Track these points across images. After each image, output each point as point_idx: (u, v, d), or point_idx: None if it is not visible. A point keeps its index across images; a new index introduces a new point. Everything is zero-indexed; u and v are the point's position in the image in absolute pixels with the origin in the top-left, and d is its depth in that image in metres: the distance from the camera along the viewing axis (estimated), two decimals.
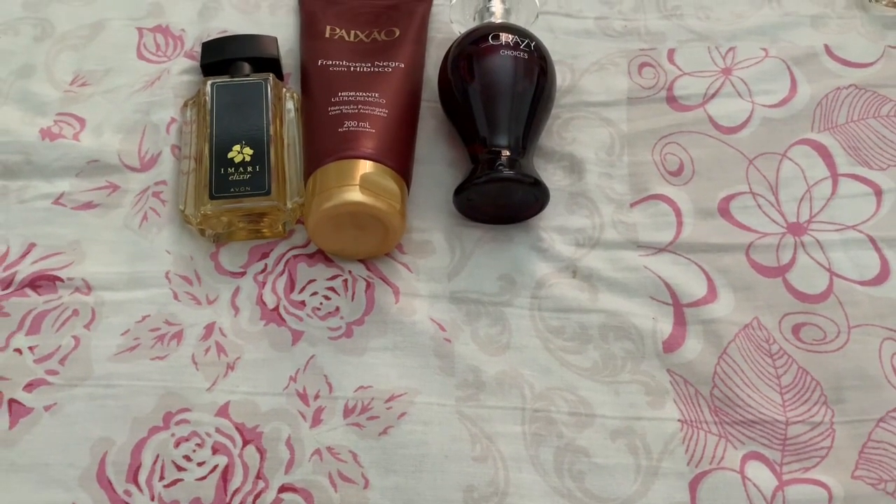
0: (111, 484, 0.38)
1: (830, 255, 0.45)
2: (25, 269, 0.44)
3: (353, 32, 0.51)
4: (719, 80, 0.52)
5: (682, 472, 0.39)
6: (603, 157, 0.49)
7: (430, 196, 0.47)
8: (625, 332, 0.43)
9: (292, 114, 0.48)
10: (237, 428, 0.40)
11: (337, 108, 0.45)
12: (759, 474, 0.39)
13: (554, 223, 0.47)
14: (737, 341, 0.43)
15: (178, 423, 0.40)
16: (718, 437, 0.40)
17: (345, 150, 0.43)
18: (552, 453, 0.40)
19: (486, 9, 0.51)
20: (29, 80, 0.51)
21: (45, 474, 0.38)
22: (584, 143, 0.50)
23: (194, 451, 0.39)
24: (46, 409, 0.40)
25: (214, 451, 0.39)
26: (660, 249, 0.46)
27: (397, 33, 0.51)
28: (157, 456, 0.39)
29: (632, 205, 0.47)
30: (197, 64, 0.51)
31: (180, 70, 0.51)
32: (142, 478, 0.38)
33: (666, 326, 0.43)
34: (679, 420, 0.41)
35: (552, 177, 0.48)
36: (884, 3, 0.55)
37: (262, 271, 0.44)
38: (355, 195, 0.42)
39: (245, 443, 0.39)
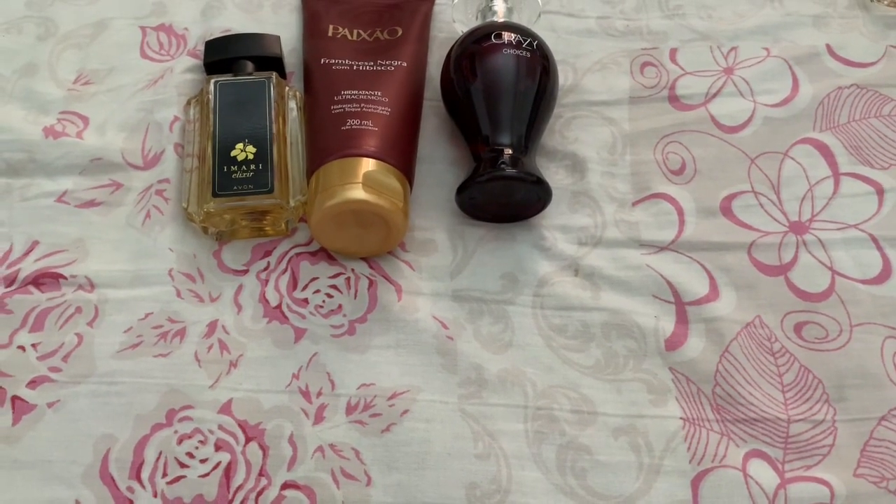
0: (114, 481, 0.38)
1: (832, 254, 0.45)
2: (29, 267, 0.44)
3: (355, 31, 0.51)
4: (721, 80, 0.52)
5: (684, 470, 0.39)
6: (605, 156, 0.49)
7: (432, 195, 0.48)
8: (627, 330, 0.43)
9: (295, 112, 0.48)
10: (240, 425, 0.40)
11: (340, 106, 0.46)
12: (762, 472, 0.39)
13: (556, 222, 0.47)
14: (739, 340, 0.43)
15: (180, 421, 0.40)
16: (720, 435, 0.40)
17: (347, 148, 0.43)
18: (555, 451, 0.40)
19: (488, 8, 0.51)
20: (32, 79, 0.51)
21: (48, 471, 0.38)
22: (587, 142, 0.50)
23: (197, 448, 0.39)
24: (49, 406, 0.40)
25: (217, 448, 0.39)
26: (662, 248, 0.46)
27: (400, 32, 0.51)
28: (160, 453, 0.39)
29: (634, 204, 0.48)
30: (200, 63, 0.51)
31: (183, 69, 0.51)
32: (145, 475, 0.38)
33: (668, 325, 0.43)
34: (681, 418, 0.41)
35: (554, 176, 0.48)
36: (885, 2, 0.55)
37: (265, 269, 0.45)
38: (358, 193, 0.42)
39: (248, 440, 0.39)
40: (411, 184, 0.46)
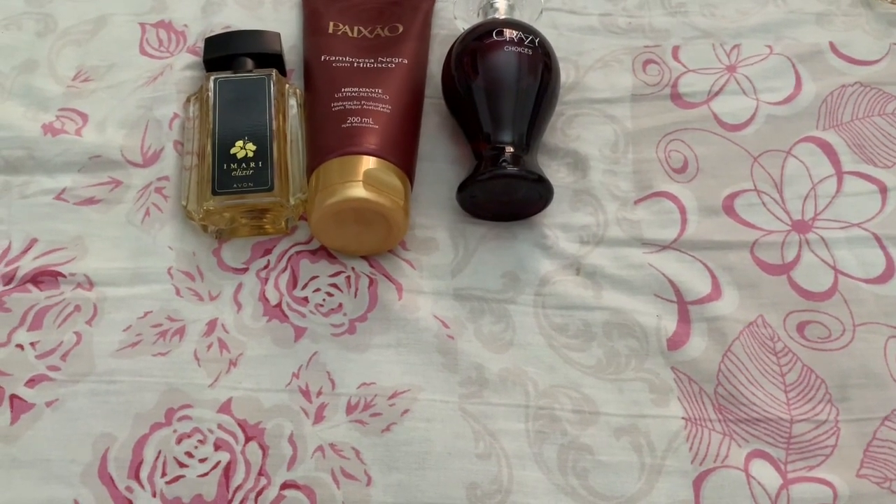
0: (113, 480, 0.38)
1: (835, 253, 0.45)
2: (27, 265, 0.44)
3: (356, 28, 0.51)
4: (724, 78, 0.52)
5: (685, 471, 0.39)
6: (607, 154, 0.49)
7: (433, 193, 0.47)
8: (629, 329, 0.43)
9: (295, 109, 0.48)
10: (239, 424, 0.40)
11: (340, 103, 0.45)
12: (764, 473, 0.39)
13: (558, 220, 0.46)
14: (741, 339, 0.43)
15: (180, 420, 0.40)
16: (723, 435, 0.40)
17: (348, 146, 0.43)
18: (556, 451, 0.39)
19: (489, 5, 0.50)
20: (31, 76, 0.51)
21: (46, 470, 0.38)
22: (589, 140, 0.49)
23: (196, 447, 0.39)
24: (48, 404, 0.40)
25: (217, 447, 0.39)
26: (664, 247, 0.46)
27: (401, 29, 0.51)
28: (159, 452, 0.39)
29: (636, 202, 0.47)
30: (200, 60, 0.51)
31: (183, 66, 0.51)
32: (143, 474, 0.38)
33: (670, 324, 0.43)
34: (683, 418, 0.40)
35: (556, 174, 0.48)
36: (889, 0, 0.55)
37: (265, 267, 0.44)
38: (358, 191, 0.41)
39: (247, 439, 0.39)
40: (412, 182, 0.45)
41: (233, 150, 0.45)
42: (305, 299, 0.43)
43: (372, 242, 0.44)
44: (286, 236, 0.45)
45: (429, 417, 0.40)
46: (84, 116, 0.49)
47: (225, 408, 0.40)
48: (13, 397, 0.40)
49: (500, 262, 0.45)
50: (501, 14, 0.50)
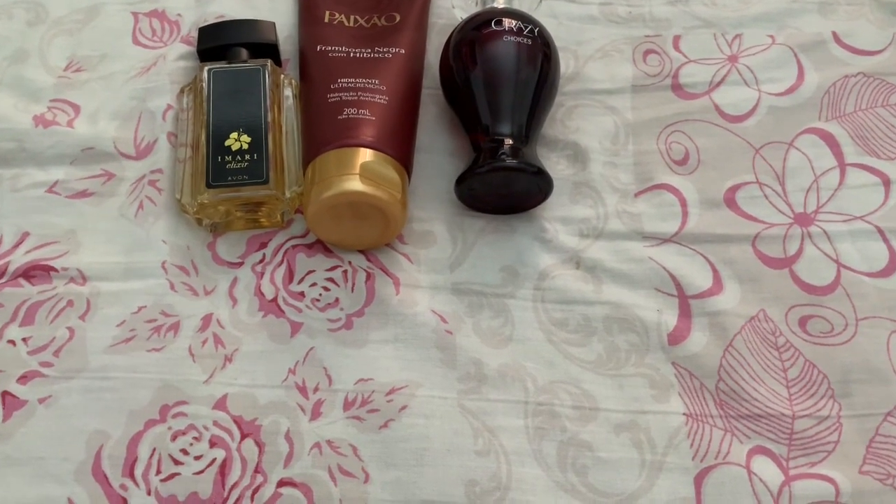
0: (107, 478, 0.37)
1: (838, 247, 0.45)
2: (19, 259, 0.43)
3: (352, 17, 0.50)
4: (725, 68, 0.51)
5: (687, 467, 0.39)
6: (607, 145, 0.48)
7: (431, 185, 0.47)
8: (629, 324, 0.42)
9: (291, 100, 0.47)
10: (235, 421, 0.39)
11: (336, 94, 0.45)
12: (766, 469, 0.38)
13: (557, 213, 0.46)
14: (743, 334, 0.42)
15: (174, 416, 0.39)
16: (724, 431, 0.40)
17: (344, 137, 0.43)
18: (555, 447, 0.39)
19: None
20: (23, 66, 0.50)
21: (39, 468, 0.37)
22: (588, 131, 0.49)
23: (191, 444, 0.38)
24: (41, 401, 0.39)
25: (212, 444, 0.38)
26: (665, 240, 0.45)
27: (398, 18, 0.50)
28: (154, 449, 0.38)
29: (636, 195, 0.47)
30: (193, 50, 0.50)
31: (177, 56, 0.50)
32: (138, 472, 0.38)
33: (671, 318, 0.43)
34: (684, 414, 0.40)
35: (556, 166, 0.48)
36: None
37: (261, 261, 0.44)
38: (355, 184, 0.41)
39: (243, 436, 0.39)
40: (410, 174, 0.45)
41: (227, 142, 0.44)
42: (302, 294, 0.43)
43: (369, 236, 0.43)
44: (282, 230, 0.45)
45: (427, 414, 0.39)
46: (76, 108, 0.48)
47: (220, 404, 0.39)
48: (5, 394, 0.39)
49: (498, 256, 0.44)
50: (500, 3, 0.49)
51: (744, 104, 0.50)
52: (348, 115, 0.43)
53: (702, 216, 0.46)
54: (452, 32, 0.48)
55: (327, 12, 0.50)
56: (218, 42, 0.49)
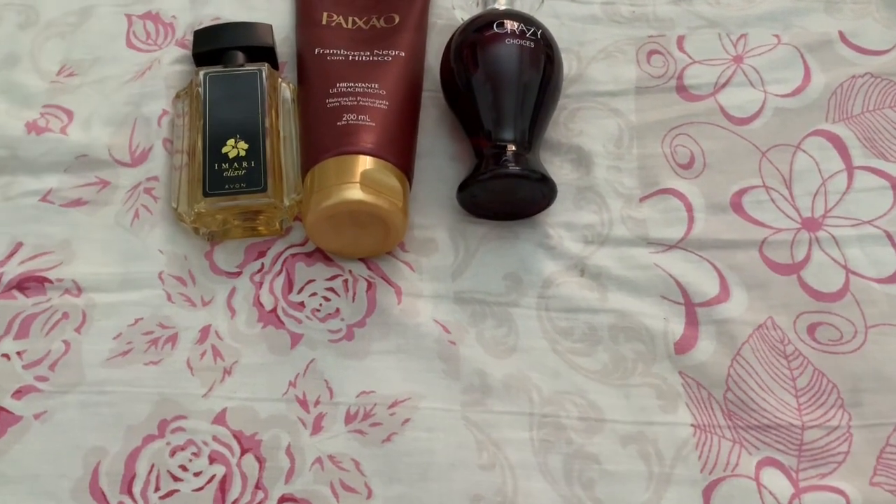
0: (105, 496, 0.37)
1: (846, 252, 0.44)
2: (13, 270, 0.42)
3: (350, 19, 0.49)
4: (730, 69, 0.50)
5: (695, 480, 0.38)
6: (611, 149, 0.47)
7: (432, 191, 0.46)
8: (635, 332, 0.42)
9: (288, 105, 0.46)
10: (235, 436, 0.38)
11: (335, 100, 0.44)
12: (775, 481, 0.38)
13: (561, 219, 0.45)
14: (750, 342, 0.41)
15: (173, 431, 0.38)
16: (732, 442, 0.39)
17: (344, 145, 0.42)
18: (561, 460, 0.38)
19: None
20: (14, 70, 0.49)
21: (35, 486, 0.37)
22: (592, 134, 0.48)
23: (191, 460, 0.38)
24: (36, 417, 0.38)
25: (212, 460, 0.38)
26: (670, 246, 0.44)
27: (397, 20, 0.49)
28: (153, 466, 0.37)
29: (641, 199, 0.46)
30: (189, 53, 0.49)
31: (172, 59, 0.49)
32: (136, 489, 0.37)
33: (677, 327, 0.42)
34: (692, 425, 0.39)
35: (559, 171, 0.47)
36: None
37: (259, 271, 0.43)
38: (355, 193, 0.40)
39: (243, 451, 0.38)
40: (410, 181, 0.44)
41: (224, 149, 0.43)
42: (301, 304, 0.42)
43: (370, 245, 0.42)
44: (280, 238, 0.44)
45: (430, 427, 0.39)
46: (69, 113, 0.47)
47: (220, 419, 0.39)
48: (0, 409, 0.38)
49: (501, 264, 0.44)
50: (502, 4, 0.48)
51: (749, 106, 0.49)
52: (347, 120, 0.43)
53: (708, 221, 0.45)
54: (454, 34, 0.47)
55: (325, 14, 0.49)
56: (214, 45, 0.48)
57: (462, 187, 0.43)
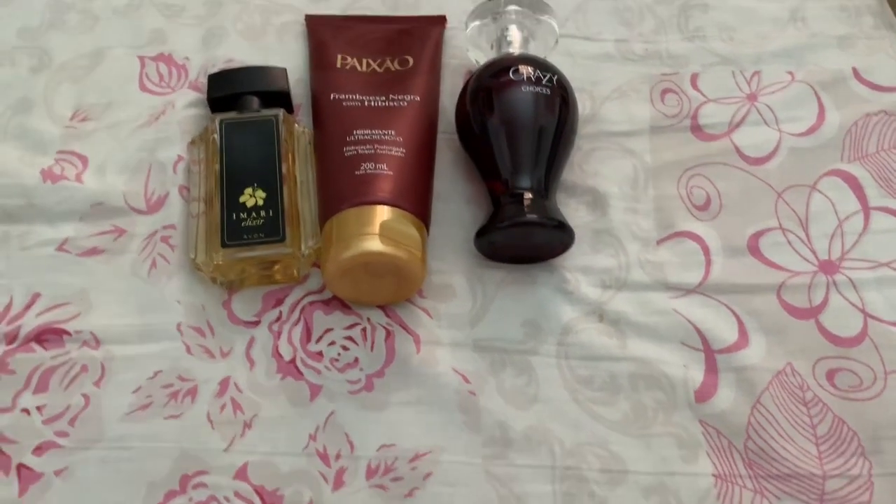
0: None
1: (864, 295, 0.44)
2: (31, 322, 0.42)
3: (365, 61, 0.49)
4: (745, 107, 0.50)
5: None
6: (627, 191, 0.47)
7: (448, 235, 0.46)
8: (655, 381, 0.42)
9: (305, 149, 0.46)
10: (257, 491, 0.38)
11: (352, 148, 0.44)
12: None
13: (578, 263, 0.45)
14: (770, 389, 0.41)
15: (195, 487, 0.38)
16: (754, 492, 0.39)
17: (362, 195, 0.42)
18: None
19: (503, 37, 0.48)
20: (28, 116, 0.49)
21: None
22: (607, 176, 0.48)
23: None
24: (57, 473, 0.38)
25: None
26: (689, 291, 0.44)
27: (411, 62, 0.49)
28: None
29: (658, 242, 0.46)
30: (202, 96, 0.49)
31: (185, 103, 0.49)
32: None
33: (697, 374, 0.42)
34: (713, 475, 0.39)
35: (575, 213, 0.47)
36: None
37: (277, 319, 0.43)
38: (375, 245, 0.40)
39: None
40: (428, 227, 0.44)
41: (242, 198, 0.43)
42: (320, 354, 0.42)
43: (388, 293, 0.42)
44: (298, 285, 0.44)
45: (452, 481, 0.39)
46: (84, 160, 0.47)
47: (241, 473, 0.39)
48: (20, 466, 0.38)
49: (520, 310, 0.44)
50: (516, 47, 0.48)
51: (765, 145, 0.49)
52: (365, 170, 0.43)
53: (725, 265, 0.45)
54: (469, 79, 0.47)
55: (339, 56, 0.49)
56: (228, 91, 0.47)
57: (480, 234, 0.43)
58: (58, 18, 0.53)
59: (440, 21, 0.52)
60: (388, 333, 0.43)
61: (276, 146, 0.44)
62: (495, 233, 0.42)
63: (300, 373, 0.41)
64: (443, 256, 0.45)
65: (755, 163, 0.48)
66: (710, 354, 0.42)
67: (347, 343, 0.42)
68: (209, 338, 0.42)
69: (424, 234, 0.43)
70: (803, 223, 0.46)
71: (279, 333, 0.42)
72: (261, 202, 0.43)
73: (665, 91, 0.51)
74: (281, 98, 0.48)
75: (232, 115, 0.46)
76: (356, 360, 0.42)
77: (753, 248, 0.46)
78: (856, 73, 0.52)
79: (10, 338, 0.41)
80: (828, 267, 0.45)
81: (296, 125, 0.47)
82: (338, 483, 0.39)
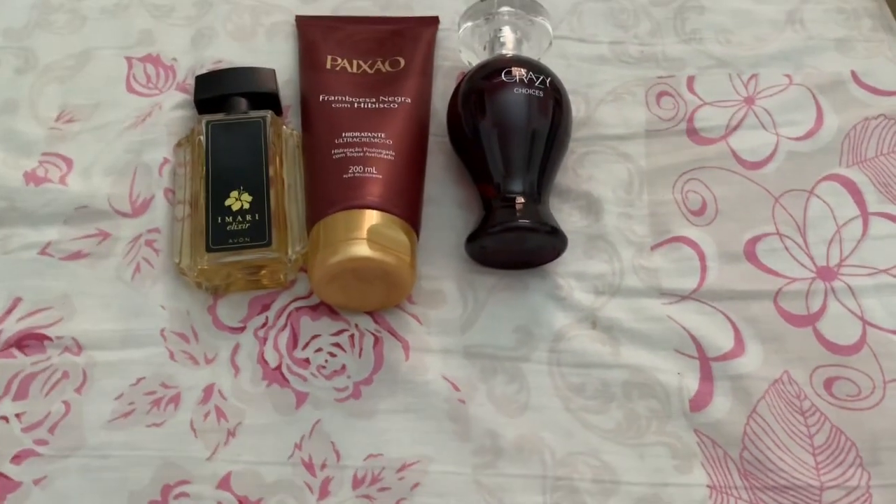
0: None
1: (862, 302, 0.43)
2: (11, 327, 0.41)
3: (355, 62, 0.48)
4: (742, 111, 0.49)
5: None
6: (621, 195, 0.46)
7: (439, 240, 0.45)
8: (649, 389, 0.41)
9: (293, 152, 0.46)
10: (240, 501, 0.37)
11: (341, 150, 0.43)
12: None
13: (571, 268, 0.44)
14: (766, 398, 0.40)
15: (177, 497, 0.37)
16: None
17: (351, 199, 0.41)
18: None
19: (496, 38, 0.48)
20: (12, 117, 0.48)
21: None
22: (601, 180, 0.47)
23: None
24: (36, 482, 0.37)
25: None
26: (683, 297, 0.43)
27: (402, 63, 0.48)
28: None
29: (653, 248, 0.45)
30: (190, 98, 0.48)
31: (173, 105, 0.48)
32: None
33: (692, 383, 0.41)
34: (708, 486, 0.38)
35: (568, 218, 0.46)
36: None
37: (263, 325, 0.42)
38: (363, 250, 0.39)
39: None
40: (418, 232, 0.43)
41: (227, 202, 0.42)
42: (307, 361, 0.41)
43: (377, 299, 0.42)
44: (285, 290, 0.43)
45: (441, 492, 0.38)
46: (69, 162, 0.46)
47: (224, 483, 0.38)
48: None
49: (511, 316, 0.43)
50: (509, 48, 0.47)
51: (762, 149, 0.48)
52: (354, 173, 0.42)
53: (721, 271, 0.44)
54: (461, 81, 0.46)
55: (329, 57, 0.48)
56: (216, 92, 0.47)
57: (471, 239, 0.42)
58: (44, 19, 0.52)
59: (432, 22, 0.52)
60: (377, 340, 0.42)
61: (263, 148, 0.44)
62: (486, 237, 0.42)
63: (286, 380, 0.40)
64: (433, 262, 0.44)
65: (752, 167, 0.48)
66: (706, 362, 0.42)
67: (335, 350, 0.41)
68: (193, 344, 0.41)
69: (414, 239, 0.42)
70: (801, 229, 0.46)
71: (265, 339, 0.41)
72: (247, 206, 0.42)
73: (661, 94, 0.50)
74: (269, 100, 0.47)
75: (219, 116, 0.45)
76: (343, 366, 0.41)
77: (750, 254, 0.45)
78: (854, 76, 0.51)
79: None
80: (826, 273, 0.44)
81: (284, 127, 0.46)
82: (323, 493, 0.38)
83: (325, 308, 0.42)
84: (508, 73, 0.44)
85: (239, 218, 0.42)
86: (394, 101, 0.46)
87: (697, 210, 0.46)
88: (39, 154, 0.46)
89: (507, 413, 0.40)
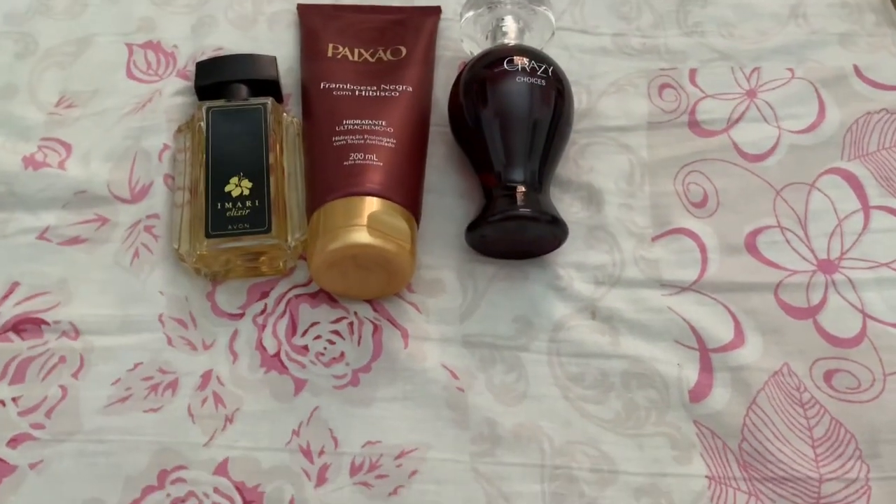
0: None
1: (863, 296, 0.43)
2: (8, 311, 0.41)
3: (357, 51, 0.48)
4: (744, 104, 0.49)
5: None
6: (623, 186, 0.46)
7: (440, 230, 0.45)
8: (648, 379, 0.41)
9: (293, 139, 0.45)
10: (237, 487, 0.37)
11: (342, 138, 0.43)
12: None
13: (572, 259, 0.44)
14: (766, 390, 0.40)
15: (173, 483, 0.37)
16: (748, 494, 0.38)
17: (351, 185, 0.41)
18: None
19: (498, 28, 0.47)
20: (11, 102, 0.48)
21: None
22: (603, 171, 0.47)
23: None
24: (32, 466, 0.37)
25: None
26: (684, 288, 0.43)
27: (404, 52, 0.48)
28: None
29: (653, 239, 0.45)
30: (190, 84, 0.48)
31: (173, 91, 0.48)
32: None
33: (692, 373, 0.41)
34: (707, 476, 0.38)
35: (569, 208, 0.46)
36: None
37: (262, 312, 0.42)
38: (363, 236, 0.39)
39: (245, 503, 0.37)
40: (418, 220, 0.43)
41: (227, 188, 0.42)
42: (305, 348, 0.41)
43: (376, 287, 0.41)
44: (284, 277, 0.43)
45: (439, 479, 0.38)
46: (68, 147, 0.46)
47: (221, 469, 0.37)
48: None
49: (511, 305, 0.43)
50: (511, 38, 0.47)
51: (764, 142, 0.48)
52: (354, 160, 0.41)
53: (722, 262, 0.44)
54: (462, 70, 0.46)
55: (330, 45, 0.48)
56: (216, 78, 0.46)
57: (471, 228, 0.42)
58: (45, 4, 0.52)
59: (435, 11, 0.51)
60: (376, 328, 0.41)
61: (263, 135, 0.43)
62: (486, 226, 0.41)
63: (284, 367, 0.40)
64: (433, 251, 0.44)
65: (754, 160, 0.47)
66: (705, 353, 0.41)
67: (334, 337, 0.41)
68: (191, 330, 0.41)
69: (414, 227, 0.42)
70: (802, 221, 0.45)
71: (264, 326, 0.41)
72: (246, 192, 0.42)
73: (663, 86, 0.50)
74: (270, 87, 0.47)
75: (220, 103, 0.45)
76: (342, 354, 0.41)
77: (751, 246, 0.45)
78: (857, 70, 0.51)
79: None
80: (827, 266, 0.44)
81: (284, 114, 0.46)
82: (321, 480, 0.37)
83: (324, 295, 0.42)
84: (511, 61, 0.44)
85: (238, 204, 0.41)
86: (395, 90, 0.45)
87: (699, 202, 0.46)
88: (38, 139, 0.46)
89: (505, 402, 0.40)
